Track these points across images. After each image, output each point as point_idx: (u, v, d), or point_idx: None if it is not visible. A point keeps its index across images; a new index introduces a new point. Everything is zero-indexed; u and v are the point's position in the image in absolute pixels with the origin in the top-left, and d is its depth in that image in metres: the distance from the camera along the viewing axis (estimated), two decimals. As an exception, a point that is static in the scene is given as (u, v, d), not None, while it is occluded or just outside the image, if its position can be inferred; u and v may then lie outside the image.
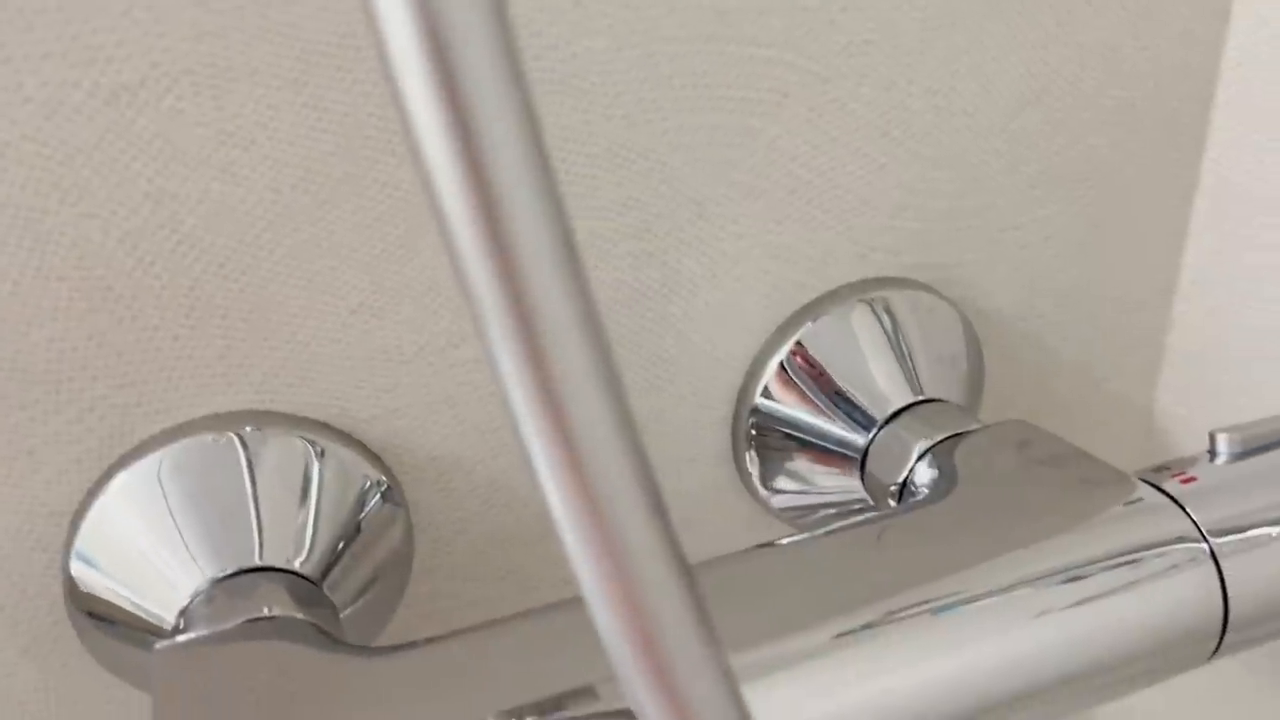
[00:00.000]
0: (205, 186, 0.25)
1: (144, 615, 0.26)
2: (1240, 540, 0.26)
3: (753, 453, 0.33)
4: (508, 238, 0.15)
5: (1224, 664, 0.40)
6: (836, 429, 0.32)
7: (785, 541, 0.26)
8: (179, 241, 0.25)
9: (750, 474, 0.34)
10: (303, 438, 0.28)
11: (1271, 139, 0.34)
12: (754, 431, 0.33)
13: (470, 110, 0.14)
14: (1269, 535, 0.26)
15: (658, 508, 0.17)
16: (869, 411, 0.32)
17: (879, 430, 0.31)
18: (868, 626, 0.23)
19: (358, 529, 0.28)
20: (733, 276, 0.31)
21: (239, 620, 0.24)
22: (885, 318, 0.32)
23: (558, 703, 0.21)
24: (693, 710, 0.17)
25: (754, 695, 0.22)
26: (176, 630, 0.26)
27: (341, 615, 0.28)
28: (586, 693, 0.22)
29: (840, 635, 0.23)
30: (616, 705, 0.22)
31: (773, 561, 0.26)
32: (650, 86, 0.27)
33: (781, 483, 0.33)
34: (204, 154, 0.25)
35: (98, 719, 0.28)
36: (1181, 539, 0.25)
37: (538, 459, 0.16)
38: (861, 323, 0.32)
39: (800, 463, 0.33)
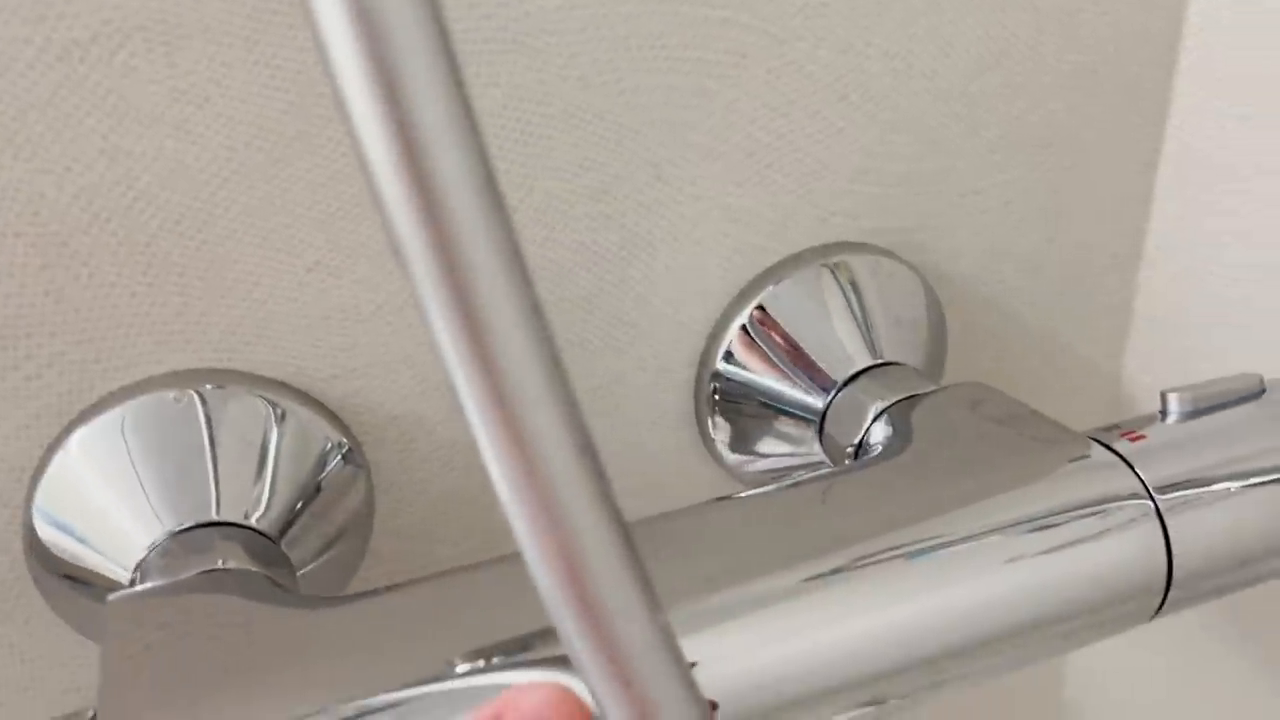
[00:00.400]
0: (160, 143, 0.25)
1: (103, 569, 0.26)
2: (1186, 498, 0.26)
3: (715, 416, 0.34)
4: (430, 182, 0.15)
5: (1193, 636, 0.40)
6: (797, 392, 0.32)
7: (743, 495, 0.27)
8: (135, 198, 0.25)
9: (713, 437, 0.34)
10: (263, 397, 0.28)
11: (1234, 105, 0.34)
12: (716, 395, 0.33)
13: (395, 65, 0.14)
14: (1214, 493, 0.26)
15: (587, 453, 0.17)
16: (828, 374, 0.32)
17: (837, 393, 0.32)
18: (835, 571, 0.23)
19: (317, 489, 0.29)
20: (692, 239, 0.31)
21: (193, 572, 0.25)
22: (845, 282, 0.32)
23: (523, 644, 0.22)
24: (628, 658, 0.18)
25: (723, 636, 0.22)
26: (133, 584, 0.26)
27: (301, 573, 0.28)
28: (550, 634, 0.22)
29: (808, 579, 0.23)
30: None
31: (732, 512, 0.26)
32: (605, 47, 0.28)
33: (744, 445, 0.34)
34: (158, 111, 0.25)
35: (60, 674, 0.29)
36: (1128, 496, 0.26)
37: (468, 407, 0.16)
38: (822, 287, 0.32)
39: (762, 425, 0.33)
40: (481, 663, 0.21)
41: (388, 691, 0.21)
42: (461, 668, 0.21)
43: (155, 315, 0.26)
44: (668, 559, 0.24)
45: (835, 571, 0.24)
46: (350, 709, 0.21)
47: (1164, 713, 0.43)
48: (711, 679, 0.22)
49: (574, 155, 0.28)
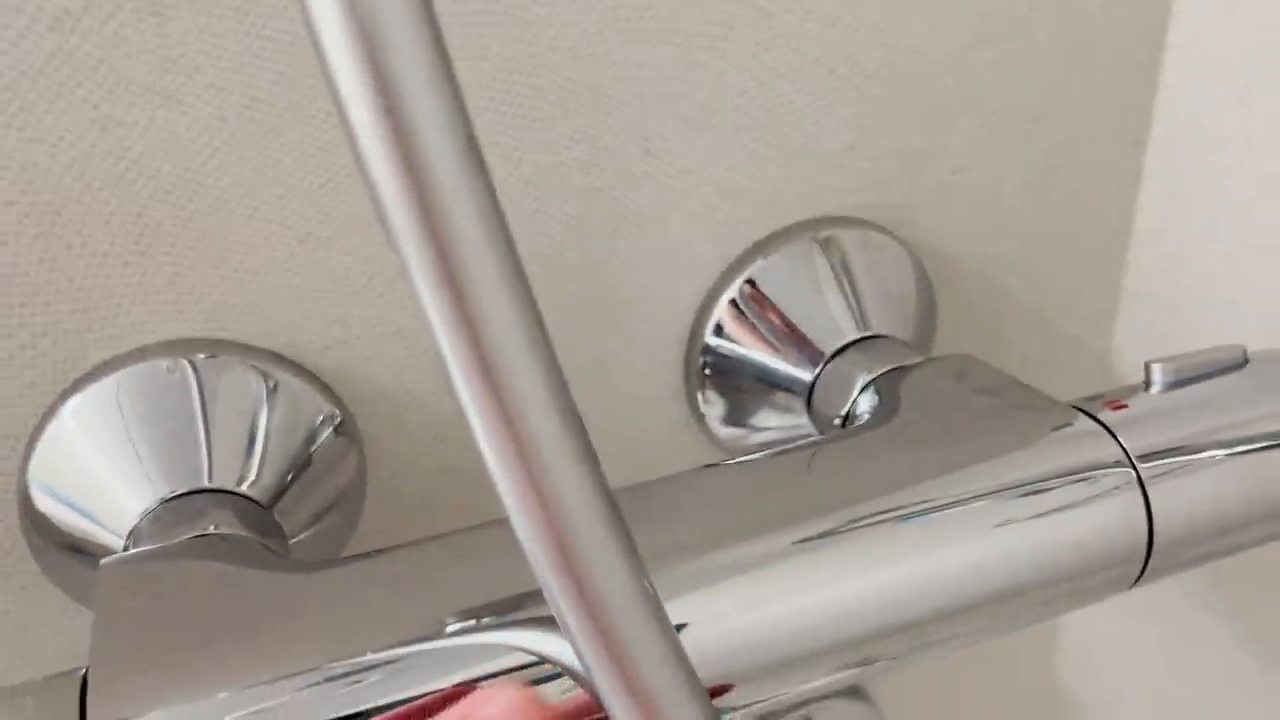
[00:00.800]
0: (151, 114, 0.25)
1: (97, 536, 0.27)
2: (1167, 466, 0.26)
3: (705, 390, 0.34)
4: (412, 142, 0.15)
5: (1182, 610, 0.41)
6: (786, 365, 0.33)
7: (731, 462, 0.27)
8: (126, 168, 0.26)
9: (703, 412, 0.34)
10: (255, 368, 0.28)
11: (1223, 81, 0.34)
12: (706, 369, 0.33)
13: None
14: (1196, 462, 0.26)
15: (570, 416, 0.17)
16: (817, 347, 0.32)
17: (825, 365, 0.32)
18: (824, 535, 0.24)
19: (309, 459, 0.29)
20: (682, 213, 0.31)
21: (185, 537, 0.25)
22: (834, 255, 0.32)
23: (513, 604, 0.22)
24: (611, 620, 0.18)
25: (712, 599, 0.23)
26: (127, 549, 0.26)
27: (294, 542, 0.28)
28: (538, 595, 0.22)
29: (797, 542, 0.24)
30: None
31: (720, 478, 0.26)
32: (595, 18, 0.28)
33: (734, 419, 0.34)
34: (149, 81, 0.25)
35: (56, 640, 0.29)
36: (1110, 465, 0.26)
37: (452, 371, 0.17)
38: (811, 260, 0.32)
39: (751, 399, 0.33)
40: (471, 622, 0.22)
41: (377, 651, 0.21)
42: (452, 627, 0.22)
43: (148, 285, 0.27)
44: (656, 523, 0.24)
45: (824, 535, 0.24)
46: (339, 668, 0.21)
47: (1154, 687, 0.44)
48: (700, 640, 0.23)
49: (563, 128, 0.29)
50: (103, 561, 0.24)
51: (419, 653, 0.21)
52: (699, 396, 0.34)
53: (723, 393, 0.34)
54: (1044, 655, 0.46)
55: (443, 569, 0.23)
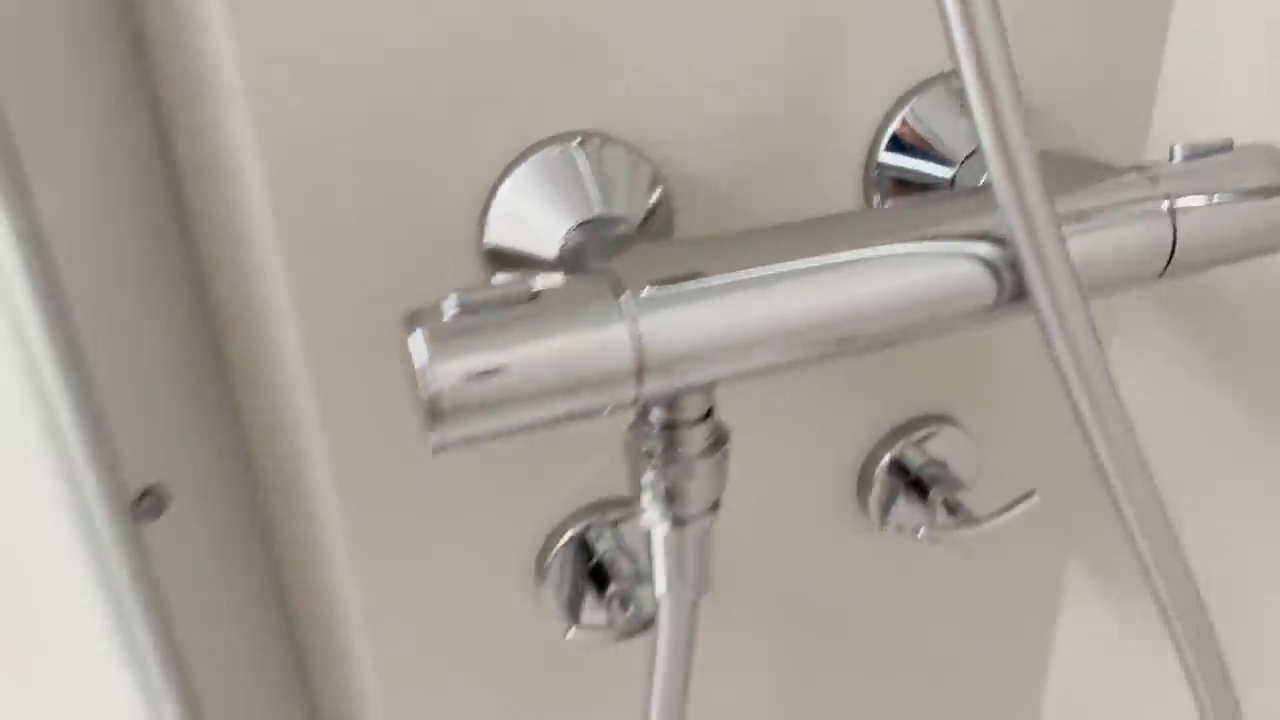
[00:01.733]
0: (575, -6, 0.43)
1: (537, 252, 0.44)
2: (1186, 202, 0.43)
3: (877, 195, 0.51)
4: None
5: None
6: (935, 169, 0.50)
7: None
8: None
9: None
10: (618, 150, 0.45)
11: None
12: (877, 177, 0.51)
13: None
14: (1204, 202, 0.43)
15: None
16: (953, 155, 0.49)
17: (959, 167, 0.49)
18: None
19: (647, 208, 0.46)
20: (865, 62, 0.48)
21: (596, 239, 0.42)
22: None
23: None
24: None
25: (827, 280, 0.40)
26: (560, 260, 0.44)
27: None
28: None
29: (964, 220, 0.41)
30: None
31: (874, 213, 0.43)
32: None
33: (896, 209, 0.51)
34: (577, -26, 0.42)
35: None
36: (1148, 197, 0.43)
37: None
38: (950, 99, 0.49)
39: (909, 196, 0.51)
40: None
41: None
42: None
43: (555, 89, 0.44)
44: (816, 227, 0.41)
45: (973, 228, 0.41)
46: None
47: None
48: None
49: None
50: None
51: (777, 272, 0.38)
52: (874, 199, 0.51)
53: (889, 194, 0.51)
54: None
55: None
